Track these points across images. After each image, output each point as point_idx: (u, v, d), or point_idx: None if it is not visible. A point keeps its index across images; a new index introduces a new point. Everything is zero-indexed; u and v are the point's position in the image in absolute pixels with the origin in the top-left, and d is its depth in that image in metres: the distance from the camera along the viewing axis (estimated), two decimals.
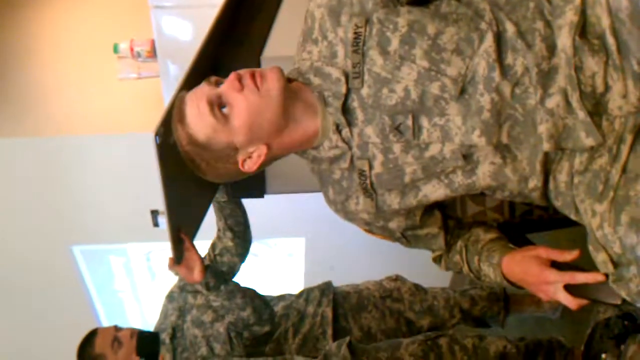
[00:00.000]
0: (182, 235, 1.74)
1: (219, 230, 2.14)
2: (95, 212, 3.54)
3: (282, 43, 1.98)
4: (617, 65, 1.17)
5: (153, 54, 3.02)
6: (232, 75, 1.29)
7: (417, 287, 2.53)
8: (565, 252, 1.31)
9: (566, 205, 1.29)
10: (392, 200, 1.37)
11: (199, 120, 1.30)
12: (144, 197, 3.34)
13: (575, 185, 1.25)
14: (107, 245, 4.02)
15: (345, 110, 1.31)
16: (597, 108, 1.20)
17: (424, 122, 1.28)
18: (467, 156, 1.29)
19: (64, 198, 3.49)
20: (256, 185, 2.21)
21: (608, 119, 1.21)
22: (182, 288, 2.30)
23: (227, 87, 1.29)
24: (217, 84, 1.32)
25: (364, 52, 1.28)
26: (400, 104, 1.28)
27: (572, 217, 1.29)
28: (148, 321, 4.58)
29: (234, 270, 2.17)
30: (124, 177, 3.37)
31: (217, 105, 1.29)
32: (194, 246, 1.81)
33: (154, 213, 3.41)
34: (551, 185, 1.30)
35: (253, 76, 1.28)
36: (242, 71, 1.30)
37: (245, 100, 1.27)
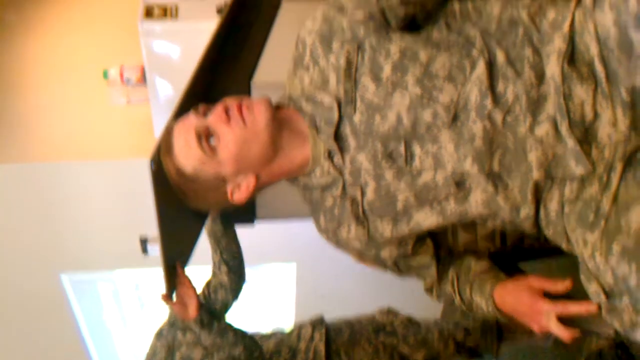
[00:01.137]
0: (177, 268, 1.71)
1: (214, 264, 2.12)
2: (84, 239, 3.51)
3: (273, 69, 1.97)
4: (606, 94, 1.17)
5: (143, 79, 3.02)
6: (220, 107, 1.28)
7: (410, 320, 2.50)
8: (558, 283, 1.30)
9: (557, 234, 1.28)
10: (385, 228, 1.36)
11: (186, 153, 1.29)
12: (133, 224, 3.33)
13: (566, 214, 1.24)
14: (95, 274, 3.99)
15: (338, 136, 1.31)
16: (586, 136, 1.20)
17: (417, 148, 1.27)
18: (460, 184, 1.28)
19: (52, 225, 3.46)
20: (246, 211, 2.19)
21: (598, 147, 1.21)
22: (172, 324, 2.26)
23: (215, 119, 1.28)
24: (205, 114, 1.31)
25: (356, 78, 1.28)
26: (393, 131, 1.27)
27: (564, 246, 1.28)
28: (136, 350, 4.52)
29: (226, 308, 2.14)
30: (113, 203, 3.35)
31: (205, 136, 1.28)
32: (189, 280, 1.78)
33: (143, 240, 3.40)
34: (542, 214, 1.29)
35: (240, 108, 1.27)
36: (229, 101, 1.29)
37: (232, 132, 1.27)
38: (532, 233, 1.37)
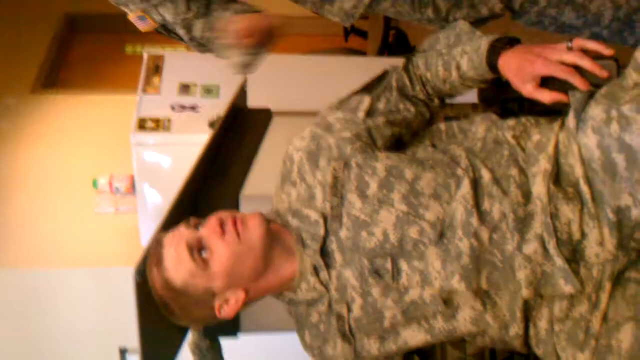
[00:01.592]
0: None
1: None
2: (62, 349, 3.41)
3: (261, 182, 2.00)
4: (592, 214, 1.18)
5: (132, 189, 3.04)
6: (214, 220, 1.28)
7: None
8: None
9: (548, 353, 1.26)
10: (371, 346, 1.33)
11: (177, 265, 1.27)
12: (112, 334, 3.25)
13: (556, 334, 1.23)
14: None
15: (324, 252, 1.30)
16: (574, 255, 1.20)
17: (403, 265, 1.27)
18: (447, 301, 1.27)
19: (30, 333, 3.37)
20: (230, 324, 2.15)
21: (586, 266, 1.21)
22: None
23: (208, 231, 1.27)
24: (196, 226, 1.30)
25: (343, 194, 1.29)
26: (379, 247, 1.27)
27: None
28: None
29: None
30: (92, 312, 3.28)
31: (197, 249, 1.27)
32: None
33: (123, 352, 3.30)
34: (532, 332, 1.28)
35: (234, 222, 1.27)
36: (223, 215, 1.29)
37: (226, 246, 1.26)
38: (522, 352, 1.35)
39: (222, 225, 1.27)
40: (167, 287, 1.29)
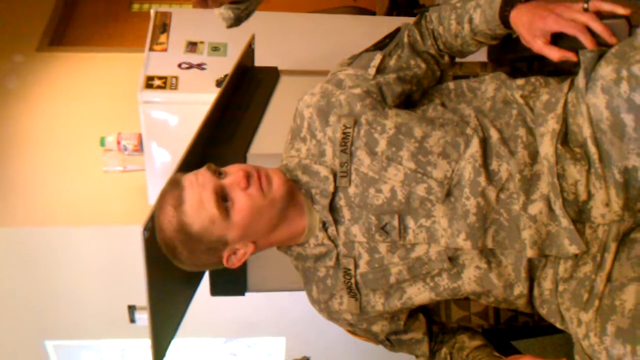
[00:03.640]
0: None
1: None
2: (71, 306, 3.45)
3: (268, 141, 2.00)
4: (599, 174, 1.18)
5: (139, 147, 3.03)
6: (241, 172, 1.26)
7: None
8: None
9: (551, 313, 1.27)
10: (377, 302, 1.35)
11: (199, 209, 1.25)
12: (121, 292, 3.28)
13: (560, 293, 1.24)
14: (81, 341, 3.90)
15: (332, 208, 1.31)
16: (580, 216, 1.21)
17: (410, 223, 1.28)
18: (453, 259, 1.28)
19: (39, 291, 3.40)
20: (237, 282, 2.17)
21: (591, 226, 1.21)
22: None
23: (233, 182, 1.26)
24: (216, 173, 1.29)
25: (352, 152, 1.30)
26: (387, 204, 1.28)
27: (558, 325, 1.27)
28: None
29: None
30: (101, 270, 3.31)
31: (221, 197, 1.26)
32: None
33: (131, 308, 3.35)
34: (536, 292, 1.29)
35: (259, 177, 1.27)
36: (249, 169, 1.28)
37: (250, 199, 1.25)
38: (526, 311, 1.36)
39: (247, 178, 1.27)
40: (181, 230, 1.26)
